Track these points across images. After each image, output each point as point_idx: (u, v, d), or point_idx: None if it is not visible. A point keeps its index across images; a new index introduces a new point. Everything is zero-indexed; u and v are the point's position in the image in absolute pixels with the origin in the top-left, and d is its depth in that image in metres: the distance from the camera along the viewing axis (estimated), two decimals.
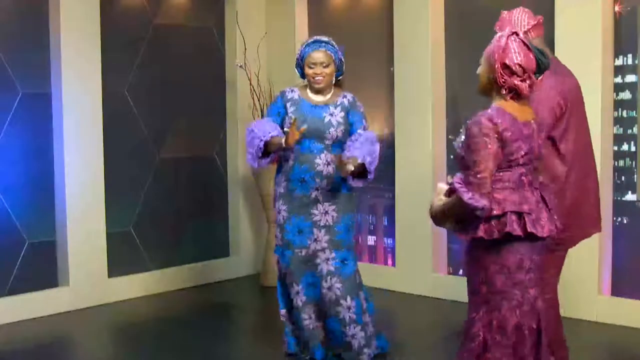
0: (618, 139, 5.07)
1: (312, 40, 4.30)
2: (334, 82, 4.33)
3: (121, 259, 5.90)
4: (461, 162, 2.95)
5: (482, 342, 2.95)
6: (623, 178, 5.07)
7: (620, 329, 4.96)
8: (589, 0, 5.00)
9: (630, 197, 5.06)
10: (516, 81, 2.90)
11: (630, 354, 4.67)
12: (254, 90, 6.29)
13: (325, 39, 4.29)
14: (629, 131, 5.03)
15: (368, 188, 5.97)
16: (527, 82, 2.91)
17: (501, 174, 2.91)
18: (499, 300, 2.93)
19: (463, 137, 2.92)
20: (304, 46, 4.30)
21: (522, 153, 2.91)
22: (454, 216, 2.92)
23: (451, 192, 2.95)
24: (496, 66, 2.88)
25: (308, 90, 4.34)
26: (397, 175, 5.96)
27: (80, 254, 5.60)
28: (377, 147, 4.21)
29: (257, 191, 6.42)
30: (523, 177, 2.94)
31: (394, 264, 6.13)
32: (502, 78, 2.89)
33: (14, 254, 5.42)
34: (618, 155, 5.07)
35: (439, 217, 2.97)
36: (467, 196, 2.80)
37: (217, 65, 6.57)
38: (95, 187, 5.70)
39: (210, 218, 6.54)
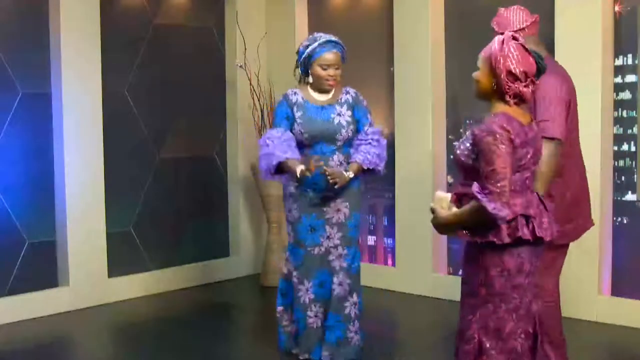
0: (618, 139, 5.07)
1: (324, 39, 4.18)
2: None
3: (121, 259, 5.90)
4: (462, 167, 2.93)
5: (478, 344, 2.93)
6: (623, 178, 5.07)
7: (620, 329, 4.96)
8: (589, 0, 5.00)
9: (630, 197, 5.06)
10: (521, 87, 2.89)
11: (630, 354, 4.67)
12: (254, 90, 6.28)
13: (334, 39, 4.21)
14: (629, 131, 5.03)
15: (368, 188, 5.98)
16: (530, 87, 2.91)
17: None
18: (497, 302, 2.91)
19: (467, 143, 2.89)
20: (316, 45, 4.16)
21: (529, 157, 2.90)
22: (471, 224, 2.89)
23: (459, 199, 2.94)
24: (502, 75, 2.86)
25: (310, 90, 4.29)
26: (397, 175, 5.96)
27: (80, 254, 5.60)
28: (383, 143, 4.29)
29: (257, 191, 6.42)
30: (527, 181, 2.93)
31: (394, 264, 6.13)
32: (507, 85, 2.88)
33: (14, 254, 5.42)
34: (618, 155, 5.07)
35: (448, 226, 2.94)
36: (491, 206, 2.76)
37: (217, 65, 6.56)
38: (95, 187, 5.70)
39: (210, 218, 6.54)
